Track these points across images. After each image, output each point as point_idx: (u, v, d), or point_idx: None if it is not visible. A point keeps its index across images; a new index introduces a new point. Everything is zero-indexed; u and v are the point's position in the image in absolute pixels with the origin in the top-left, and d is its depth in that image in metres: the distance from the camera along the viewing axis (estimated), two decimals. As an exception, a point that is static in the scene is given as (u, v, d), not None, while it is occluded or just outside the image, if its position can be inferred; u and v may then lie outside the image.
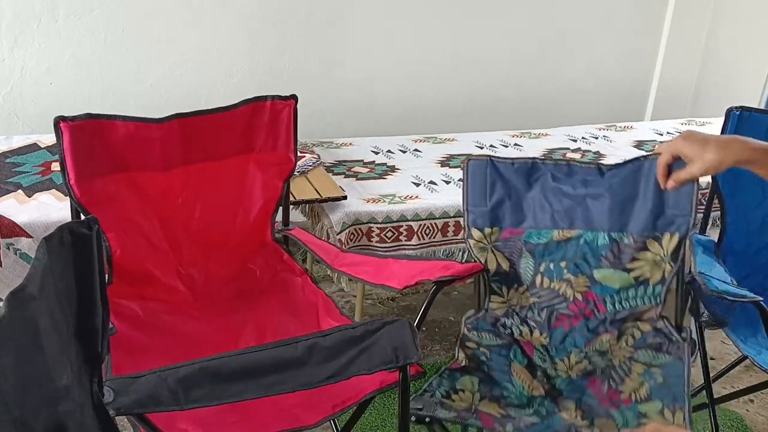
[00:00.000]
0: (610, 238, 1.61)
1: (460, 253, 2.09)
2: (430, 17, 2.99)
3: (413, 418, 1.35)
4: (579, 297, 1.64)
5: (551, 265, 1.65)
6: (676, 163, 1.31)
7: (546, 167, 1.65)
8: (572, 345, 1.62)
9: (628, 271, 1.60)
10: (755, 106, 2.21)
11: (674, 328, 1.54)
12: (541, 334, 1.64)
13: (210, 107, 1.69)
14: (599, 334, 1.60)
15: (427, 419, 1.37)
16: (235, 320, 1.71)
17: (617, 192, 1.60)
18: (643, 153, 1.76)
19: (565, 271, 1.65)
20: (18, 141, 2.22)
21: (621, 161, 1.61)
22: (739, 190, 1.98)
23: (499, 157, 1.67)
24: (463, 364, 1.55)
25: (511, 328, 1.65)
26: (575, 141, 2.82)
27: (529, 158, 1.68)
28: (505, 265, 1.66)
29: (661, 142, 2.49)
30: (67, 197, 1.53)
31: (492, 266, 1.66)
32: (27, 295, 0.73)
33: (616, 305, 1.61)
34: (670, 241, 1.57)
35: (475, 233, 1.66)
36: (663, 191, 1.48)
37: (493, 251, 1.66)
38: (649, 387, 1.45)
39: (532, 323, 1.65)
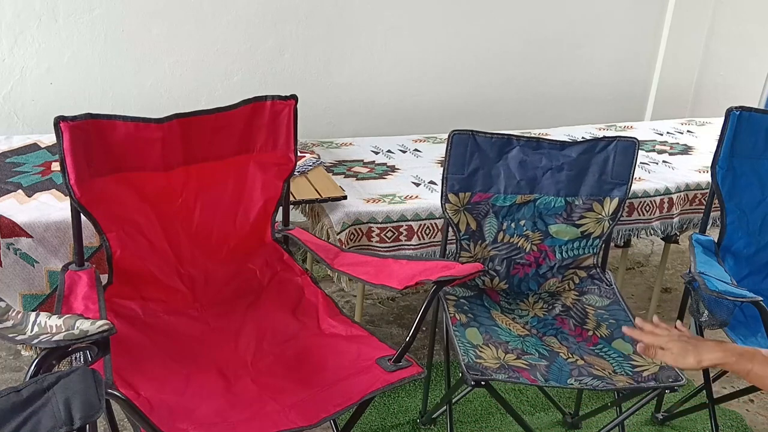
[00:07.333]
0: (566, 201, 1.92)
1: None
2: (429, 17, 2.99)
3: (473, 383, 1.48)
4: (534, 248, 1.95)
5: (512, 224, 1.93)
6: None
7: (518, 142, 1.89)
8: (527, 288, 1.97)
9: (578, 226, 1.93)
10: (755, 106, 2.21)
11: (602, 273, 1.95)
12: (501, 281, 1.95)
13: (210, 107, 1.69)
14: (548, 279, 1.97)
15: (483, 383, 1.50)
16: (235, 320, 1.71)
17: (574, 164, 1.90)
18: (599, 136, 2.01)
19: (524, 228, 1.93)
20: (18, 141, 2.22)
21: (579, 140, 1.93)
22: (739, 190, 1.98)
23: (480, 132, 1.86)
24: (458, 318, 1.77)
25: (475, 279, 1.93)
26: (575, 141, 2.82)
27: (505, 134, 1.90)
28: (473, 225, 1.91)
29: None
30: (67, 197, 1.53)
31: (462, 227, 1.90)
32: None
33: (564, 254, 1.95)
34: (610, 204, 1.91)
35: (452, 198, 1.87)
36: (608, 164, 1.88)
37: (464, 213, 1.89)
38: (608, 326, 1.80)
39: (493, 272, 1.94)
